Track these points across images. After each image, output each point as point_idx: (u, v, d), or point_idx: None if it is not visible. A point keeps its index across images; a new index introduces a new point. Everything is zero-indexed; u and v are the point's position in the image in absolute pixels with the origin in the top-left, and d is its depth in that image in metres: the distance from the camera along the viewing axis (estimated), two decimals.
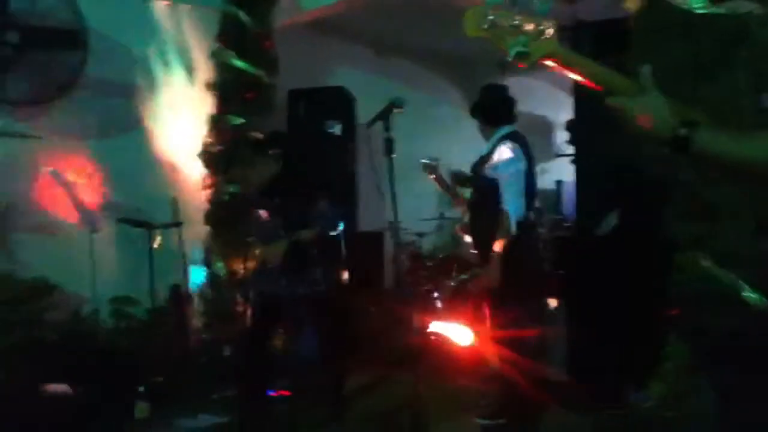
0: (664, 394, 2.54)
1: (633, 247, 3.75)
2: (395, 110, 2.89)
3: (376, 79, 6.87)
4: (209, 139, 5.03)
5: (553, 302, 4.34)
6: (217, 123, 5.03)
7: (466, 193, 4.00)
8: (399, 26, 6.41)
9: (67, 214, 4.74)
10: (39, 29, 4.54)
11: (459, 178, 4.67)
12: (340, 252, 4.07)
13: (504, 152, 3.56)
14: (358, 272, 5.54)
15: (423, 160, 4.08)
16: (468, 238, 3.89)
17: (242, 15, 4.96)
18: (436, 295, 5.59)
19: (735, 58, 1.85)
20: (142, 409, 3.99)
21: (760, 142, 1.32)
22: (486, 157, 3.68)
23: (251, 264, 4.05)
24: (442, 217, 6.29)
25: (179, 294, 4.85)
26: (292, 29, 5.65)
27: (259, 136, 4.43)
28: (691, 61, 1.88)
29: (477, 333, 4.88)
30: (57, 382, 3.75)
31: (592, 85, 1.45)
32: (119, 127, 5.04)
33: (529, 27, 1.35)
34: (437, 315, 5.41)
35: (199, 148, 5.04)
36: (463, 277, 5.48)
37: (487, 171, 3.62)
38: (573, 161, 4.77)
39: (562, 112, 5.72)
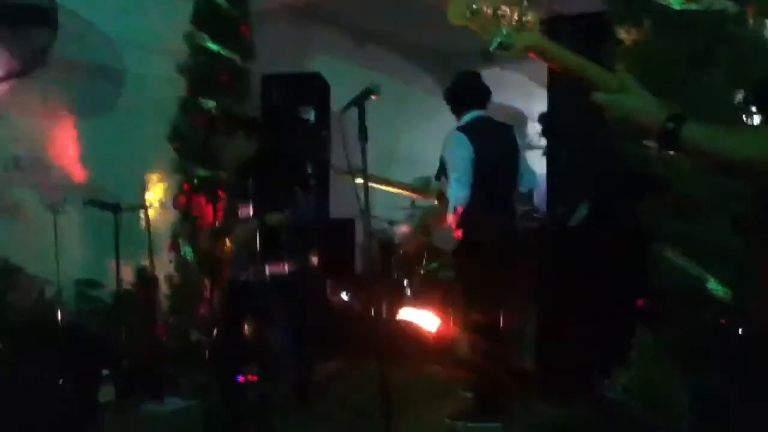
0: (631, 384, 2.59)
1: (603, 238, 3.80)
2: (371, 97, 2.87)
3: (354, 68, 6.84)
4: (180, 122, 4.96)
5: (522, 292, 4.39)
6: (189, 106, 4.96)
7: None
8: (378, 15, 6.37)
9: (31, 195, 4.63)
10: (6, 4, 4.41)
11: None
12: (314, 239, 4.06)
13: (447, 140, 3.71)
14: (328, 259, 5.55)
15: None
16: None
17: None
18: (406, 282, 5.61)
19: (712, 55, 1.88)
20: (107, 393, 3.95)
21: (747, 136, 1.34)
22: None
23: (222, 249, 4.01)
24: (413, 206, 6.29)
25: (146, 277, 4.79)
26: (270, 14, 5.59)
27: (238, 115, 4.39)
28: (670, 57, 1.91)
29: (446, 321, 4.92)
30: (19, 366, 3.69)
31: (573, 76, 1.46)
32: (88, 108, 4.94)
33: (513, 17, 1.35)
34: (407, 303, 5.43)
35: (169, 131, 4.96)
36: (434, 265, 5.51)
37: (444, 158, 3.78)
38: (545, 153, 4.81)
39: (535, 104, 5.76)
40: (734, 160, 1.27)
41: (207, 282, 4.81)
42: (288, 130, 5.60)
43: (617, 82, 1.35)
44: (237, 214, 3.63)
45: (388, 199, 5.66)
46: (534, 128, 5.84)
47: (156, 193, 5.06)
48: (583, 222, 4.04)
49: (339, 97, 6.02)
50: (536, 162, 5.25)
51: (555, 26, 4.09)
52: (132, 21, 5.08)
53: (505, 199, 3.88)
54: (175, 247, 5.01)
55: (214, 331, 3.95)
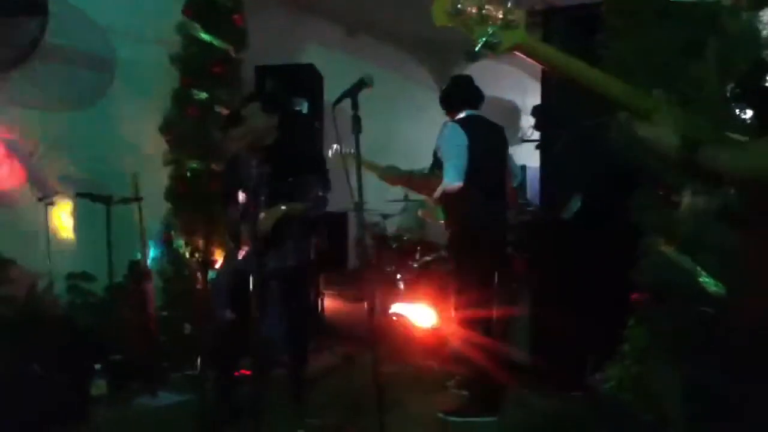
0: (623, 377, 2.59)
1: (596, 231, 3.81)
2: (364, 88, 2.86)
3: (347, 59, 6.81)
4: (173, 113, 4.92)
5: (515, 285, 4.39)
6: (181, 96, 4.92)
7: None
8: (371, 5, 6.35)
9: (23, 187, 4.60)
10: None
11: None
12: (320, 231, 4.07)
13: (441, 130, 3.82)
14: (321, 252, 5.53)
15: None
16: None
17: None
18: (399, 276, 5.61)
19: (705, 47, 1.88)
20: (99, 386, 3.93)
21: (760, 149, 1.34)
22: None
23: (218, 242, 3.98)
24: (407, 198, 6.29)
25: (138, 270, 4.76)
26: (264, 5, 5.55)
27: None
28: (663, 47, 1.90)
29: (439, 314, 4.92)
30: (10, 359, 3.66)
31: (559, 73, 1.45)
32: (80, 98, 4.89)
33: (498, 16, 1.34)
34: (400, 296, 5.44)
35: (162, 121, 4.93)
36: (427, 259, 5.51)
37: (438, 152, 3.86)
38: (538, 146, 4.81)
39: (528, 97, 5.75)
40: (752, 174, 1.28)
41: (200, 275, 4.79)
42: (281, 122, 5.55)
43: (602, 77, 1.35)
44: (258, 202, 3.52)
45: (381, 192, 5.65)
46: (527, 121, 5.83)
47: (149, 185, 5.03)
48: (577, 215, 4.05)
49: (332, 89, 6.01)
50: (530, 155, 5.25)
51: (549, 17, 4.11)
52: (124, 10, 5.03)
53: (497, 189, 3.89)
54: (168, 239, 4.98)
55: (209, 325, 3.92)
